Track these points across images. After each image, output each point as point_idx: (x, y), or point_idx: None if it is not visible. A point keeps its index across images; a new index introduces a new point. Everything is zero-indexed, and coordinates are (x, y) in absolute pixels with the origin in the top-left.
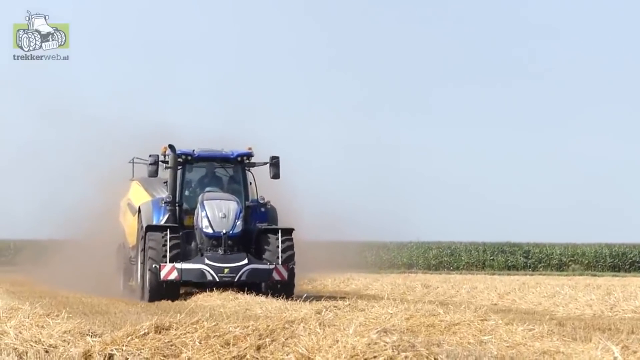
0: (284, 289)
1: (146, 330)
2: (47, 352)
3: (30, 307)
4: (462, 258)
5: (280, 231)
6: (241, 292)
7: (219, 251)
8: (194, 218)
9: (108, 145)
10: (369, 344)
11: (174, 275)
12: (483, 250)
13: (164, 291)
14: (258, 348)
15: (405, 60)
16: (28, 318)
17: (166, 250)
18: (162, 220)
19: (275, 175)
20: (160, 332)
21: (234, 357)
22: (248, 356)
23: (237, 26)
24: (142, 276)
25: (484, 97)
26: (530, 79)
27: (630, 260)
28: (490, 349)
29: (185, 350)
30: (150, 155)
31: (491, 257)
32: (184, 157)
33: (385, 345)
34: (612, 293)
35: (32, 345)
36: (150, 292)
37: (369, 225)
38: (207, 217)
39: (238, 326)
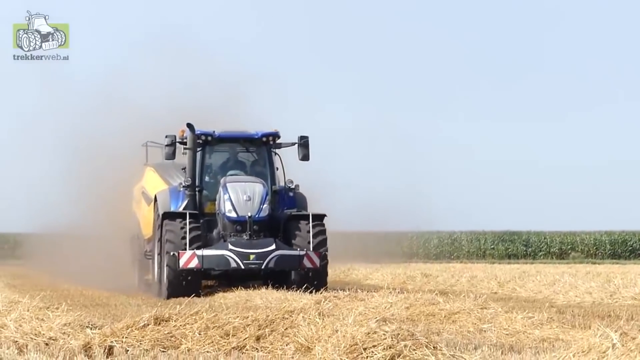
0: (316, 278)
1: (146, 322)
2: (47, 344)
3: (30, 300)
4: (463, 247)
5: (311, 216)
6: (265, 287)
7: (244, 236)
8: (216, 203)
9: (118, 127)
10: (368, 334)
11: (194, 263)
12: (483, 239)
13: (183, 285)
14: (258, 338)
15: (422, 55)
16: (28, 311)
17: (186, 236)
18: (181, 207)
19: (305, 157)
20: (159, 324)
21: (233, 347)
22: (248, 347)
23: (247, 23)
24: (160, 269)
25: (487, 87)
26: (532, 72)
27: (630, 248)
28: (490, 337)
29: (185, 342)
30: (166, 136)
31: (491, 246)
32: (204, 137)
33: (384, 335)
34: (611, 280)
35: (32, 338)
36: (169, 284)
37: (372, 215)
38: (230, 201)
39: (237, 317)
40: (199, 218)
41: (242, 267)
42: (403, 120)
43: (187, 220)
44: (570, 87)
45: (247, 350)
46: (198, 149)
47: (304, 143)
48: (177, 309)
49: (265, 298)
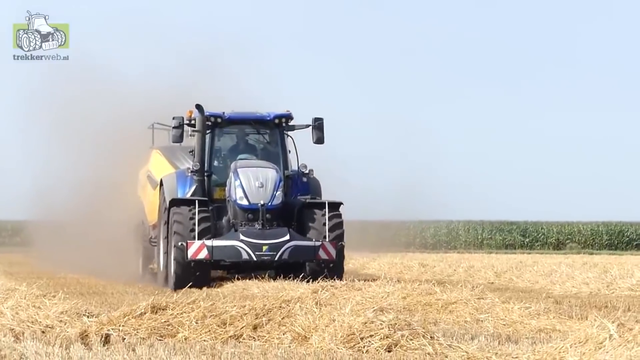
0: (331, 269)
1: (143, 310)
2: (43, 332)
3: (27, 288)
4: (460, 237)
5: (327, 205)
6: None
7: (256, 226)
8: (226, 189)
9: (123, 109)
10: (365, 323)
11: (203, 254)
12: (481, 229)
13: (192, 275)
14: (255, 327)
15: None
16: (25, 299)
17: (194, 226)
18: (189, 193)
19: (319, 140)
20: (156, 312)
21: (230, 336)
22: (245, 336)
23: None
24: (166, 258)
25: (484, 78)
26: (530, 63)
27: (627, 239)
28: (486, 327)
29: (182, 330)
30: (174, 118)
31: (489, 236)
32: (213, 119)
33: (381, 324)
34: (608, 271)
35: (28, 326)
36: (176, 275)
37: (369, 204)
38: (242, 187)
39: (235, 306)
40: (208, 205)
41: (255, 259)
42: (399, 110)
43: (197, 210)
44: (567, 78)
45: (244, 339)
46: (207, 132)
47: (318, 125)
48: (174, 297)
49: (262, 287)
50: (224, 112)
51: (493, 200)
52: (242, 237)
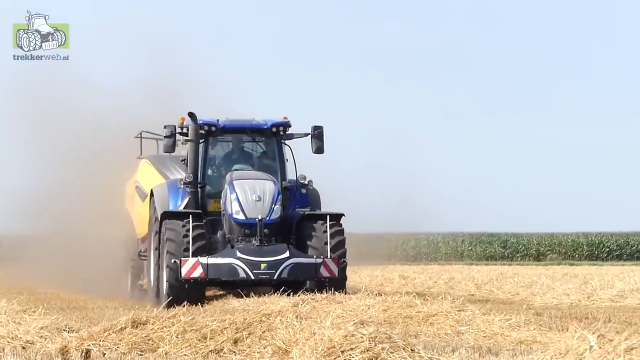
0: (333, 286)
1: (123, 325)
2: (24, 348)
3: (7, 304)
4: (440, 249)
5: (328, 217)
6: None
7: (253, 242)
8: (221, 202)
9: (108, 117)
10: (346, 336)
11: (198, 273)
12: (461, 240)
13: (185, 294)
14: (235, 341)
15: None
16: (5, 314)
17: (188, 242)
18: (181, 206)
19: (319, 149)
20: (137, 327)
21: (211, 350)
22: (225, 350)
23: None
24: (157, 275)
25: (467, 86)
26: (515, 72)
27: (607, 249)
28: (467, 339)
29: (163, 345)
30: (165, 127)
31: (469, 248)
32: (207, 127)
33: (362, 337)
34: (589, 282)
35: (8, 342)
36: (168, 294)
37: (351, 216)
38: (238, 201)
39: (215, 320)
40: (203, 219)
41: (252, 277)
42: (379, 120)
43: (191, 225)
44: (549, 88)
45: (224, 353)
46: (200, 141)
47: (317, 134)
48: (155, 312)
49: (243, 301)
50: (218, 120)
51: (473, 212)
52: (239, 254)
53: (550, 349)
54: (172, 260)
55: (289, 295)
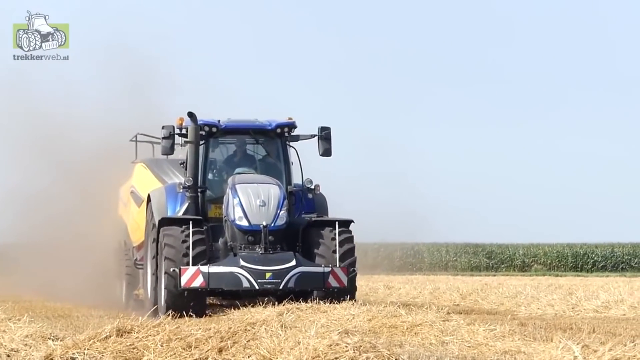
0: (342, 296)
1: (108, 334)
2: (8, 356)
3: None
4: (425, 259)
5: (337, 223)
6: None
7: (257, 250)
8: (223, 207)
9: (101, 120)
10: (331, 346)
11: (198, 282)
12: (446, 251)
13: (185, 304)
14: (220, 350)
15: (402, 61)
16: None
17: (188, 249)
18: (180, 211)
19: (326, 152)
20: (122, 335)
21: (195, 359)
22: (210, 358)
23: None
24: (155, 285)
25: (448, 93)
26: (494, 80)
27: (592, 261)
28: (451, 350)
29: (147, 353)
30: (163, 127)
31: (454, 258)
32: (207, 128)
33: (346, 347)
34: (573, 293)
35: None
36: (167, 305)
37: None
38: (241, 206)
39: (200, 329)
40: (203, 225)
41: (257, 287)
42: (364, 128)
43: (190, 231)
44: (532, 94)
45: None
46: (200, 142)
47: (325, 135)
48: (140, 320)
49: (227, 309)
50: (219, 121)
51: (459, 222)
52: (242, 262)
53: (535, 359)
54: (171, 269)
55: (273, 304)
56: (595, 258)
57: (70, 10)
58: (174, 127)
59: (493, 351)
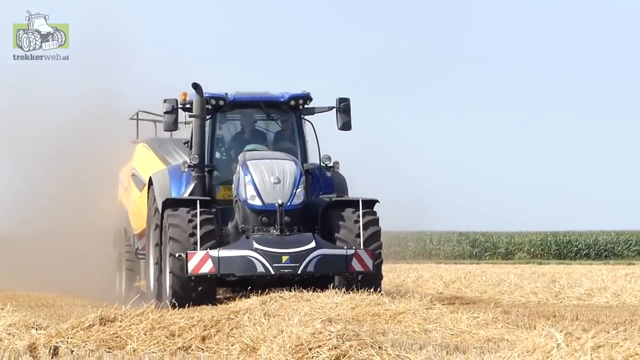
0: (367, 283)
1: (91, 322)
2: None
3: None
4: (409, 247)
5: (360, 203)
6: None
7: (272, 231)
8: (233, 187)
9: (98, 96)
10: (314, 334)
11: (207, 268)
12: (429, 239)
13: (192, 292)
14: (203, 339)
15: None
16: None
17: (195, 229)
18: (186, 193)
19: (346, 125)
20: (105, 324)
21: (179, 348)
22: (193, 347)
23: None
24: (158, 275)
25: (433, 83)
26: (475, 66)
27: (575, 249)
28: (435, 337)
29: (131, 342)
30: (165, 101)
31: (437, 247)
32: (214, 102)
33: (329, 335)
34: (557, 281)
35: None
36: (173, 292)
37: None
38: (253, 184)
39: (183, 317)
40: (211, 206)
41: (272, 272)
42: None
43: (198, 210)
44: (517, 85)
45: (192, 350)
46: (207, 117)
47: (344, 107)
48: (123, 309)
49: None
50: (226, 93)
51: (442, 210)
52: (255, 245)
53: (518, 347)
54: (177, 254)
55: (256, 293)
56: (579, 246)
57: (70, 10)
58: (176, 100)
59: (476, 339)
